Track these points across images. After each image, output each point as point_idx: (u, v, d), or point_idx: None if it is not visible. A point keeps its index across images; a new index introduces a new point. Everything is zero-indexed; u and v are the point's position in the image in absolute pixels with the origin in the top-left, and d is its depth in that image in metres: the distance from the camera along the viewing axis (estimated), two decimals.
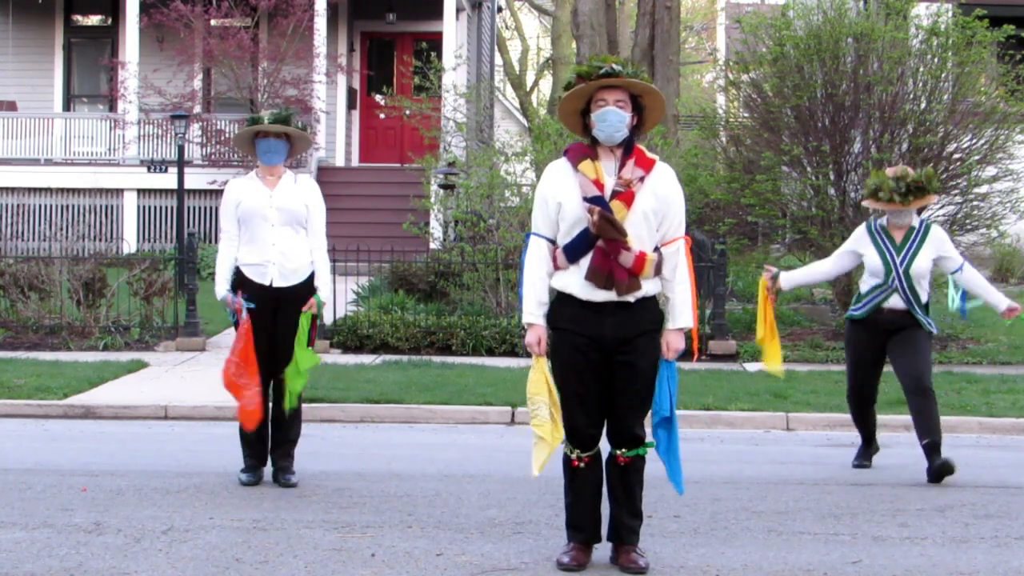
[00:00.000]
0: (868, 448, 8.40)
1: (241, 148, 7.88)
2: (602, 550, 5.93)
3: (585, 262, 5.58)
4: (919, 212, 8.11)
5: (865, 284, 8.01)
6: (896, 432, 9.84)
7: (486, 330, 13.83)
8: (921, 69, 14.40)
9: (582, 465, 5.74)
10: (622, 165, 5.59)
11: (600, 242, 5.54)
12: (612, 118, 5.54)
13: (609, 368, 5.68)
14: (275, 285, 7.48)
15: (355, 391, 11.06)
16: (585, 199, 5.54)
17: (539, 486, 7.48)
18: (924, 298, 7.89)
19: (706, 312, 14.30)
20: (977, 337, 14.48)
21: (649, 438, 5.77)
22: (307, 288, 7.58)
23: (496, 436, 9.84)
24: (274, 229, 7.47)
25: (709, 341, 13.64)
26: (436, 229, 18.10)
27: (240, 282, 7.55)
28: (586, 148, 5.66)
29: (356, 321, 14.04)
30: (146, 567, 5.72)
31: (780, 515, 6.91)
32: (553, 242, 5.68)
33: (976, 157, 14.37)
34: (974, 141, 14.32)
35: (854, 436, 10.00)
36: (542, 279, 5.67)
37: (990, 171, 14.44)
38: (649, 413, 5.78)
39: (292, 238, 7.51)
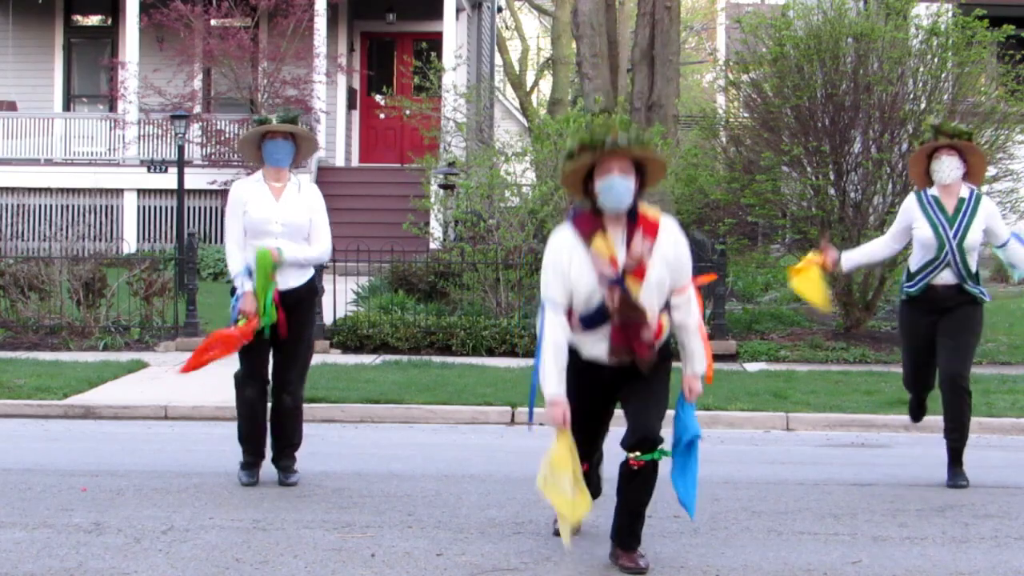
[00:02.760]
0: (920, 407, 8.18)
1: (246, 153, 7.79)
2: (600, 550, 5.93)
3: (603, 331, 5.63)
4: (967, 177, 7.79)
5: (915, 260, 7.74)
6: (896, 432, 9.85)
7: (486, 330, 13.82)
8: (921, 69, 14.39)
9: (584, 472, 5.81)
10: (630, 236, 5.59)
11: (617, 319, 5.59)
12: (618, 188, 5.53)
13: (618, 390, 5.79)
14: (278, 288, 7.48)
15: (355, 391, 11.07)
16: (606, 280, 5.56)
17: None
18: (974, 269, 7.67)
19: (706, 312, 14.29)
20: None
21: (663, 447, 5.75)
22: (309, 289, 7.59)
23: (496, 436, 9.84)
24: (277, 240, 7.47)
25: (709, 341, 13.62)
26: (436, 229, 18.10)
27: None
28: (593, 219, 5.63)
29: (356, 321, 14.04)
30: (146, 567, 5.72)
31: (780, 515, 6.91)
32: (569, 311, 5.68)
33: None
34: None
35: (854, 436, 10.03)
36: (560, 348, 5.63)
37: (990, 171, 14.43)
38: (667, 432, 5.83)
39: (295, 248, 7.50)
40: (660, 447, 5.72)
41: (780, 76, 14.49)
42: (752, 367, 12.93)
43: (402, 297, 15.37)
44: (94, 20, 25.42)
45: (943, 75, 14.36)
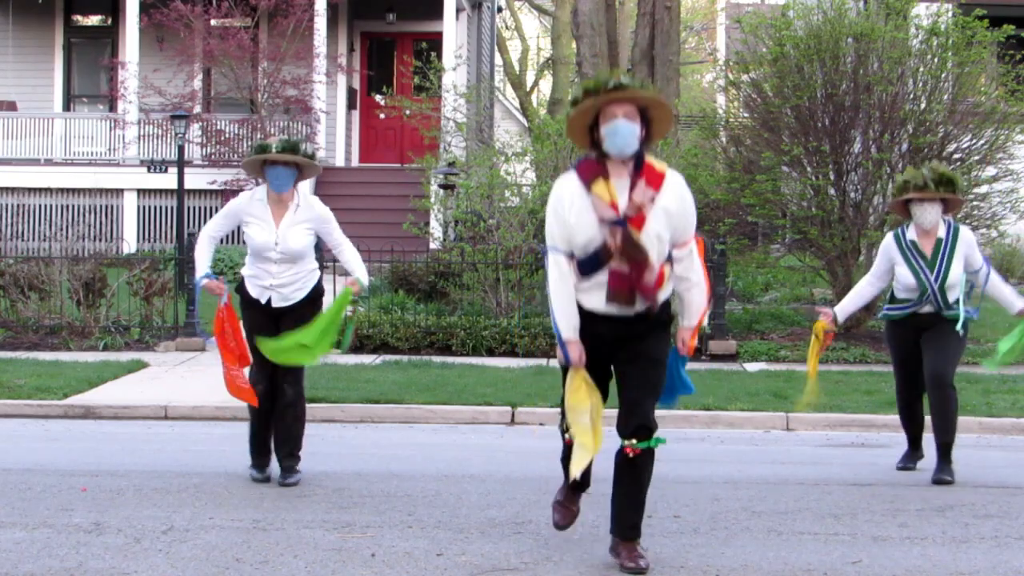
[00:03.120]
0: (915, 452, 8.31)
1: (250, 172, 7.83)
2: (601, 550, 5.93)
3: (599, 278, 5.60)
4: (946, 213, 7.97)
5: (898, 291, 8.03)
6: (896, 432, 9.83)
7: (486, 330, 13.82)
8: (921, 69, 14.40)
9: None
10: (633, 184, 5.57)
11: (616, 263, 5.56)
12: (623, 131, 5.51)
13: (616, 360, 5.73)
14: (274, 305, 7.56)
15: (355, 391, 11.07)
16: (608, 221, 5.53)
17: (539, 486, 7.48)
18: (952, 299, 7.85)
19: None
20: (977, 337, 14.47)
21: (659, 434, 5.75)
22: (308, 303, 7.61)
23: (496, 436, 9.84)
24: (277, 265, 7.52)
25: (709, 341, 13.64)
26: (436, 229, 18.10)
27: (244, 293, 7.64)
28: (596, 165, 5.62)
29: (356, 321, 14.03)
30: (146, 567, 5.72)
31: (780, 515, 6.91)
32: (572, 255, 5.68)
33: (976, 157, 14.37)
34: (974, 141, 14.32)
35: (854, 436, 10.03)
36: (571, 296, 5.66)
37: (990, 171, 14.44)
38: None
39: (293, 271, 7.55)
40: (656, 435, 5.72)
41: (780, 76, 14.49)
42: (752, 367, 12.93)
43: (402, 297, 15.37)
44: (94, 20, 25.41)
45: (943, 75, 14.36)
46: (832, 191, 14.41)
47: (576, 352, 5.64)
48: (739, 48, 16.91)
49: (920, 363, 7.96)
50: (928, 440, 8.17)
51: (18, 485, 7.45)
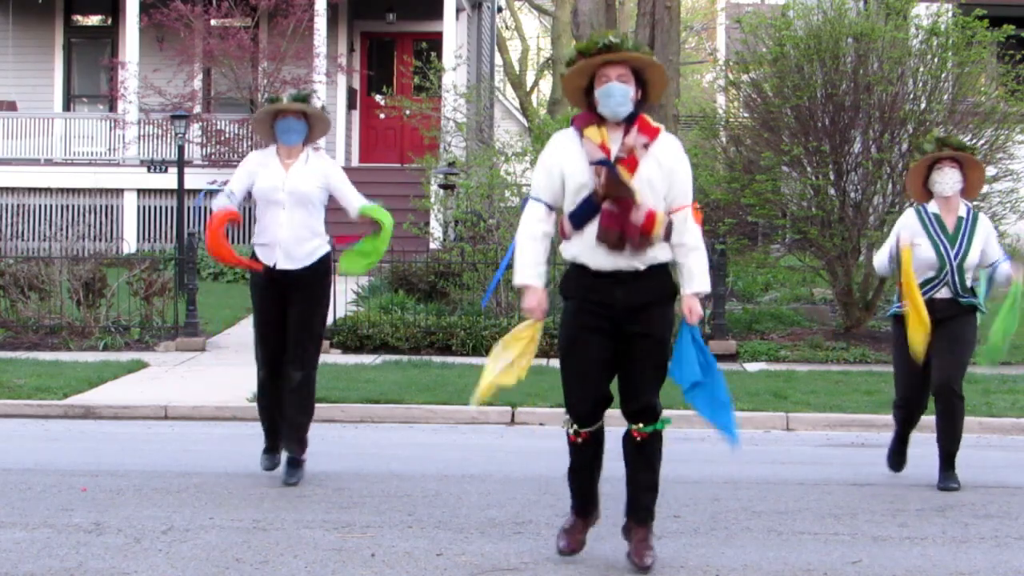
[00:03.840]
0: (902, 449, 7.99)
1: (260, 132, 7.76)
2: (600, 550, 5.93)
3: (592, 228, 5.54)
4: (965, 194, 7.76)
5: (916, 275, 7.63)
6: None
7: (486, 330, 13.82)
8: (921, 69, 14.39)
9: (579, 441, 5.72)
10: (626, 132, 5.58)
11: (607, 204, 5.49)
12: (616, 93, 5.52)
13: (619, 340, 5.63)
14: (279, 267, 7.46)
15: (355, 391, 11.07)
16: (591, 162, 5.52)
17: (539, 486, 7.48)
18: (969, 284, 7.69)
19: (706, 312, 14.29)
20: (977, 337, 14.47)
21: (665, 415, 5.74)
22: (316, 274, 7.53)
23: (496, 436, 9.84)
24: (285, 211, 7.46)
25: (709, 341, 13.63)
26: (436, 229, 18.10)
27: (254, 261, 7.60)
28: (593, 116, 5.63)
29: (356, 321, 14.04)
30: (146, 567, 5.71)
31: (780, 515, 6.91)
32: (551, 207, 5.66)
33: (976, 157, 14.35)
34: (974, 141, 14.31)
35: (854, 436, 10.02)
36: (535, 239, 5.64)
37: (990, 171, 14.43)
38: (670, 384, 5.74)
39: (304, 220, 7.48)
40: (662, 417, 5.68)
41: (780, 76, 14.49)
42: (752, 367, 12.93)
43: (402, 297, 15.38)
44: (94, 20, 25.41)
45: (943, 75, 14.36)
46: (832, 191, 14.41)
47: (534, 299, 5.59)
48: (739, 48, 16.91)
49: (925, 367, 7.66)
50: (918, 444, 8.13)
51: (18, 485, 7.45)
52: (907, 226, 7.72)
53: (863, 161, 14.26)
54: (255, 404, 10.21)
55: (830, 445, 9.63)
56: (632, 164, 5.52)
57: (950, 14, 14.97)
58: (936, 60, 14.39)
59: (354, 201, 7.60)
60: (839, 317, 15.06)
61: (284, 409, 7.64)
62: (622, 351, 5.65)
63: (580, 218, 5.56)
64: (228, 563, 5.79)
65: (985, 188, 14.36)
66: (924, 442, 9.08)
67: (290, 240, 7.47)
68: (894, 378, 7.97)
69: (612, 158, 5.52)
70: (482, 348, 13.72)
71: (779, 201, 14.82)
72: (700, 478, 7.90)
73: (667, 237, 5.60)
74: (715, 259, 14.02)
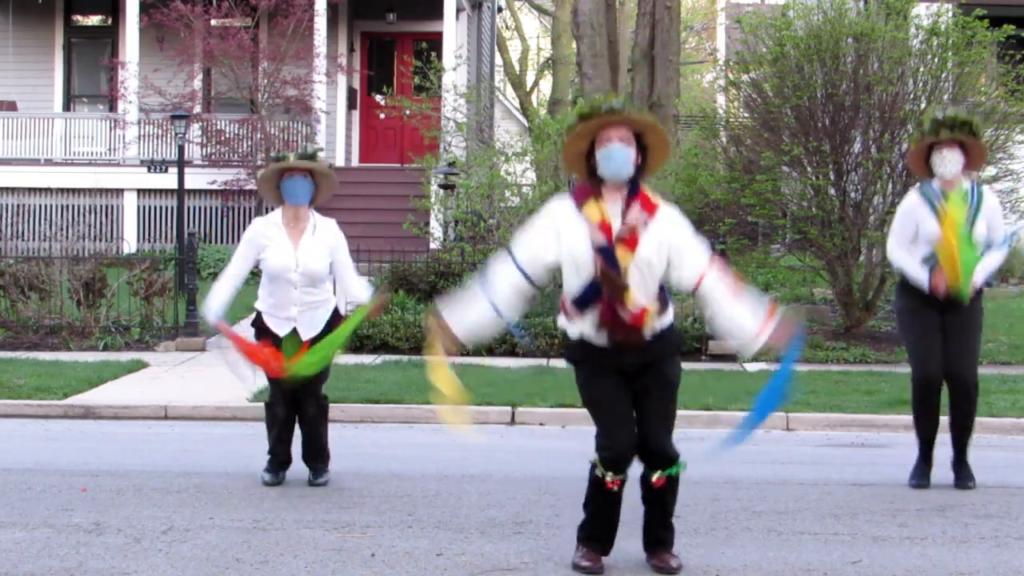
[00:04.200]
0: (927, 462, 7.75)
1: (266, 193, 7.67)
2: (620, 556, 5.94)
3: (594, 312, 5.54)
4: (968, 167, 7.64)
5: (917, 253, 7.56)
6: (896, 432, 9.84)
7: None
8: (921, 69, 14.39)
9: (615, 488, 5.62)
10: (627, 207, 5.52)
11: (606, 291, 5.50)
12: (617, 155, 5.48)
13: (633, 388, 5.65)
14: (303, 337, 7.44)
15: (355, 391, 11.06)
16: (595, 248, 5.46)
17: (539, 486, 7.48)
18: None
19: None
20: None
21: (681, 460, 5.71)
22: (335, 319, 7.56)
23: (496, 436, 9.84)
24: (297, 290, 7.45)
25: (709, 341, 13.64)
26: (436, 229, 18.10)
27: (261, 328, 7.55)
28: (590, 188, 5.58)
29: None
30: (146, 567, 5.71)
31: (780, 515, 6.91)
32: (528, 279, 5.58)
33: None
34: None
35: (854, 436, 10.02)
36: (491, 288, 5.60)
37: (990, 171, 14.44)
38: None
39: (314, 294, 7.49)
40: (678, 462, 5.66)
41: (780, 76, 14.49)
42: (752, 367, 12.92)
43: (402, 297, 15.38)
44: (94, 20, 25.40)
45: (943, 75, 14.36)
46: (832, 191, 14.41)
47: (440, 336, 5.60)
48: (739, 48, 16.90)
49: (938, 339, 7.51)
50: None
51: (18, 485, 7.45)
52: (911, 210, 7.57)
53: (863, 161, 14.26)
54: (255, 404, 10.23)
55: (830, 445, 9.62)
56: (633, 244, 5.47)
57: (950, 14, 14.96)
58: (936, 60, 14.38)
59: (351, 286, 7.61)
60: (839, 317, 15.06)
61: (304, 435, 7.66)
62: (636, 401, 5.67)
63: (585, 302, 5.54)
64: (228, 563, 5.79)
65: (985, 188, 14.37)
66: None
67: (304, 318, 7.47)
68: (909, 354, 7.76)
69: (614, 237, 5.46)
70: (482, 348, 13.72)
71: (779, 201, 14.81)
72: (700, 478, 7.89)
73: (663, 310, 5.58)
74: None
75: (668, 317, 5.67)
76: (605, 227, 5.47)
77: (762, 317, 5.52)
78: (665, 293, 5.64)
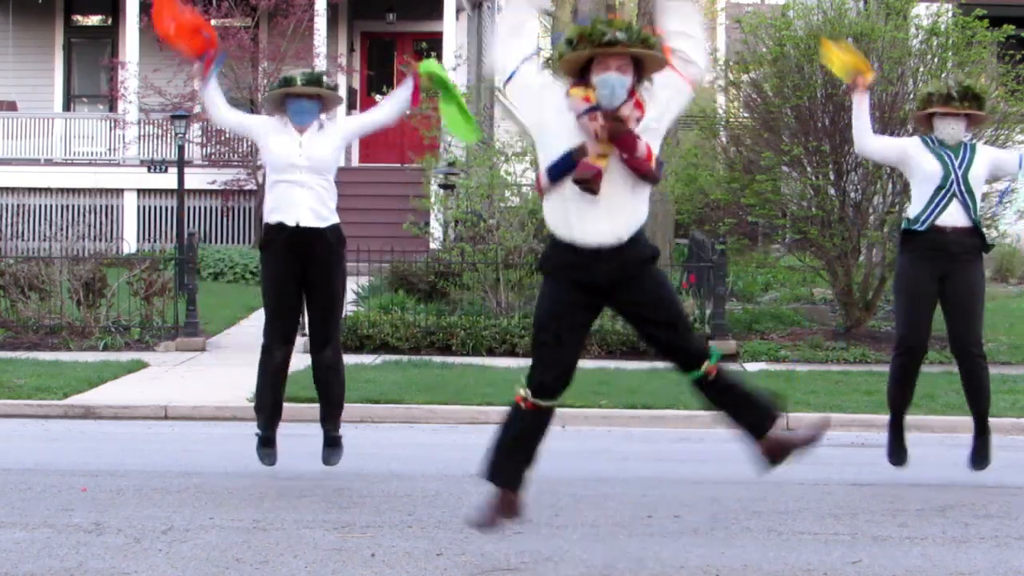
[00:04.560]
0: (899, 439, 7.73)
1: (271, 108, 7.64)
2: (600, 549, 5.93)
3: (567, 187, 5.44)
4: (969, 128, 7.68)
5: (917, 201, 7.45)
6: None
7: (486, 330, 13.82)
8: (921, 69, 14.40)
9: (523, 408, 5.65)
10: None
11: (585, 158, 5.38)
12: (613, 83, 5.43)
13: (623, 315, 5.65)
14: (303, 224, 7.29)
15: (355, 391, 11.03)
16: (579, 113, 5.41)
17: (539, 486, 7.47)
18: (978, 204, 7.46)
19: (706, 312, 14.31)
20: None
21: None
22: (337, 238, 7.40)
23: None
24: (304, 173, 7.32)
25: (709, 341, 13.64)
26: (436, 229, 18.10)
27: (267, 238, 7.42)
28: (583, 84, 5.55)
29: (356, 321, 14.04)
30: (146, 567, 5.71)
31: (780, 515, 6.90)
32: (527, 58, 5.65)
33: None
34: (974, 141, 14.31)
35: (854, 436, 10.02)
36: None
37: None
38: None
39: (323, 187, 7.36)
40: (712, 350, 5.65)
41: (780, 76, 14.50)
42: (752, 367, 12.93)
43: (402, 297, 15.38)
44: (94, 20, 25.42)
45: (943, 75, 14.35)
46: (832, 191, 14.41)
47: None
48: (739, 48, 16.91)
49: (930, 310, 7.45)
50: (916, 444, 8.09)
51: (18, 485, 7.45)
52: (907, 146, 7.59)
53: (863, 161, 14.26)
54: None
55: (830, 445, 9.58)
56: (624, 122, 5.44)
57: (950, 14, 14.97)
58: (936, 60, 14.39)
59: (381, 106, 7.62)
60: (839, 317, 15.06)
61: (320, 388, 7.63)
62: (635, 323, 5.65)
63: (560, 170, 5.45)
64: (228, 563, 5.78)
65: (985, 188, 14.35)
66: (924, 442, 9.09)
67: (311, 202, 7.30)
68: (896, 316, 7.74)
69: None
70: (482, 348, 13.73)
71: (779, 201, 14.82)
72: (700, 478, 7.90)
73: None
74: (715, 259, 14.03)
75: (643, 209, 5.56)
76: (587, 100, 5.43)
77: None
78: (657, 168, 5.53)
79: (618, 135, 5.40)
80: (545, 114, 5.56)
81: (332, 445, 7.73)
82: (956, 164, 7.38)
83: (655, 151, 5.50)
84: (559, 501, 7.09)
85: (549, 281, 5.65)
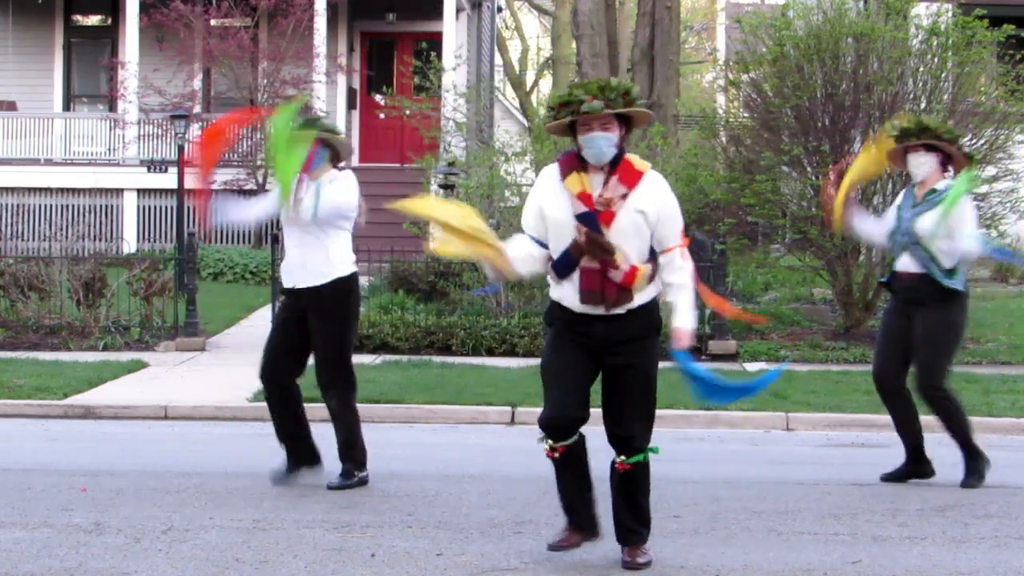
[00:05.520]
0: (912, 462, 7.84)
1: None
2: (600, 550, 5.93)
3: (576, 278, 5.57)
4: (946, 172, 7.67)
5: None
6: (895, 431, 9.83)
7: (486, 330, 13.82)
8: (921, 69, 14.40)
9: (557, 456, 5.72)
10: (606, 180, 5.54)
11: (586, 261, 5.52)
12: (598, 142, 5.51)
13: (604, 370, 5.68)
14: (298, 287, 7.35)
15: None
16: (576, 215, 5.52)
17: (539, 486, 7.47)
18: (939, 258, 7.48)
19: (706, 312, 14.30)
20: (977, 337, 14.48)
21: (653, 444, 5.74)
22: (334, 292, 7.38)
23: (496, 436, 9.84)
24: (297, 232, 7.36)
25: (709, 341, 13.65)
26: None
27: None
28: (576, 159, 5.61)
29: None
30: (146, 567, 5.71)
31: (780, 515, 6.90)
32: (540, 243, 5.66)
33: (976, 157, 14.35)
34: (974, 141, 14.31)
35: (854, 436, 10.02)
36: (516, 246, 5.66)
37: (990, 171, 14.44)
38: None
39: (314, 243, 7.34)
40: (645, 450, 5.67)
41: (780, 76, 14.50)
42: (752, 367, 12.93)
43: (402, 297, 15.38)
44: (94, 20, 25.41)
45: (943, 75, 14.36)
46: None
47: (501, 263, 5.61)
48: (739, 48, 16.91)
49: (898, 347, 7.63)
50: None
51: (18, 485, 7.45)
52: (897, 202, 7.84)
53: None
54: (255, 404, 10.24)
55: (830, 445, 9.62)
56: (608, 218, 5.50)
57: (950, 14, 14.97)
58: (936, 60, 14.39)
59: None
60: (839, 317, 15.06)
61: (335, 427, 7.62)
62: (607, 383, 5.70)
63: (564, 269, 5.61)
64: (228, 563, 5.79)
65: (985, 188, 14.38)
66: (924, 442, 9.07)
67: (303, 259, 7.33)
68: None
69: (595, 205, 5.50)
70: (482, 348, 13.73)
71: (779, 201, 14.82)
72: (700, 478, 7.90)
73: (651, 279, 5.61)
74: (715, 259, 14.03)
75: (650, 291, 5.63)
76: (585, 197, 5.52)
77: (680, 322, 5.60)
78: (654, 263, 5.60)
79: (594, 255, 5.50)
80: (544, 210, 5.64)
81: (344, 475, 7.57)
82: (906, 217, 7.58)
83: (640, 267, 5.52)
84: (559, 501, 7.08)
85: (551, 332, 5.80)
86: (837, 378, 12.21)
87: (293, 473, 7.57)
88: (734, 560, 5.95)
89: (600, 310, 5.57)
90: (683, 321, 5.63)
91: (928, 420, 7.93)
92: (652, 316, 5.68)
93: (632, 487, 5.71)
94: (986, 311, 15.67)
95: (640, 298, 5.61)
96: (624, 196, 5.51)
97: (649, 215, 5.53)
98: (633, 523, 5.75)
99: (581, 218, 5.50)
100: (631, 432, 5.66)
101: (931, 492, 7.56)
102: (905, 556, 6.07)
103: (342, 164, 7.58)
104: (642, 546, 5.77)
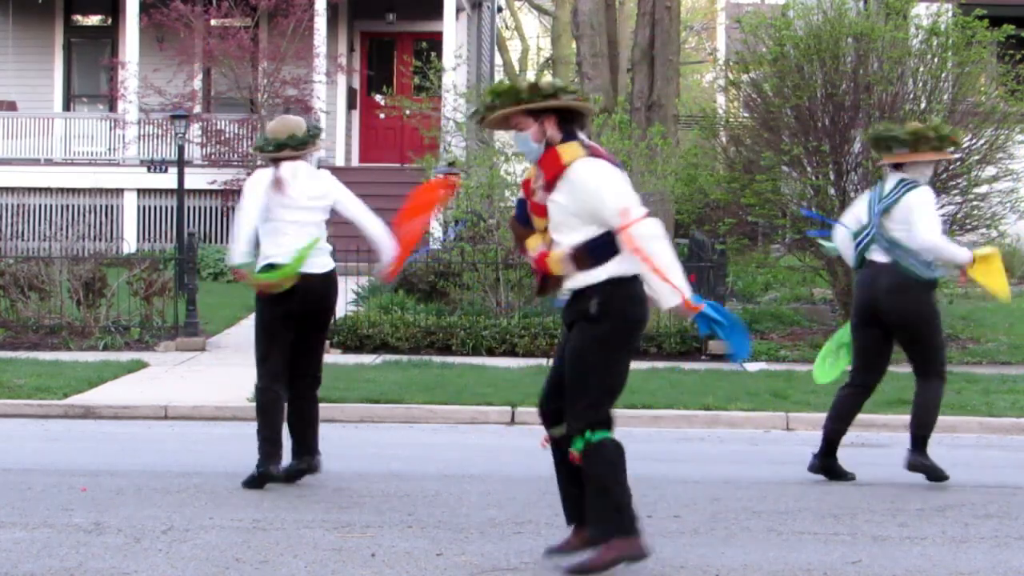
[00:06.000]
0: (826, 457, 7.94)
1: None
2: None
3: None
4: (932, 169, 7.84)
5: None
6: (896, 432, 9.83)
7: (486, 330, 13.82)
8: (921, 69, 14.40)
9: (545, 446, 5.79)
10: (536, 172, 5.68)
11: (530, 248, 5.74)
12: (518, 140, 5.68)
13: None
14: (313, 272, 7.37)
15: (355, 391, 11.06)
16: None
17: (540, 486, 7.47)
18: (925, 260, 7.53)
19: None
20: (977, 337, 14.49)
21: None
22: (329, 282, 7.47)
23: (496, 436, 9.84)
24: (292, 224, 7.41)
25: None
26: (436, 229, 18.09)
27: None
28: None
29: (356, 321, 14.04)
30: (146, 567, 5.72)
31: (780, 515, 6.91)
32: None
33: (976, 157, 14.37)
34: (974, 141, 14.32)
35: (854, 436, 9.99)
36: None
37: (990, 171, 14.44)
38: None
39: (314, 232, 7.44)
40: (582, 438, 5.45)
41: (780, 76, 14.50)
42: (752, 367, 12.93)
43: (402, 297, 15.37)
44: (94, 20, 25.41)
45: (943, 75, 14.37)
46: (832, 191, 14.41)
47: None
48: (739, 48, 16.92)
49: (869, 331, 7.67)
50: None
51: (18, 485, 7.45)
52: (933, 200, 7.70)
53: (863, 161, 14.26)
54: (255, 404, 10.21)
55: None
56: (537, 209, 5.62)
57: (950, 14, 14.97)
58: (936, 60, 14.39)
59: (357, 212, 7.76)
60: (839, 317, 15.05)
61: (298, 423, 7.54)
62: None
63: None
64: (228, 563, 5.79)
65: (985, 188, 14.39)
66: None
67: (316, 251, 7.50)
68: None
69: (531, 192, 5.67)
70: (482, 348, 13.73)
71: (779, 201, 14.82)
72: (700, 478, 7.90)
73: (582, 264, 5.49)
74: (715, 259, 14.03)
75: (588, 277, 5.51)
76: (525, 184, 5.74)
77: (666, 300, 5.45)
78: (601, 250, 5.47)
79: (516, 237, 5.79)
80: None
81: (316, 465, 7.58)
82: (877, 208, 7.61)
83: (553, 251, 5.54)
84: (559, 501, 7.08)
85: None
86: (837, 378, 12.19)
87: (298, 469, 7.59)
88: (734, 560, 5.95)
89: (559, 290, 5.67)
90: (662, 299, 5.45)
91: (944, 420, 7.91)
92: (587, 301, 5.50)
93: (586, 478, 5.53)
94: (986, 311, 15.67)
95: (574, 283, 5.54)
96: (545, 187, 5.57)
97: (568, 205, 5.49)
98: (591, 516, 5.57)
99: (517, 204, 5.78)
100: (567, 414, 5.58)
101: (931, 492, 7.56)
102: (905, 556, 6.07)
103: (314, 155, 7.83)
104: (594, 551, 5.49)
